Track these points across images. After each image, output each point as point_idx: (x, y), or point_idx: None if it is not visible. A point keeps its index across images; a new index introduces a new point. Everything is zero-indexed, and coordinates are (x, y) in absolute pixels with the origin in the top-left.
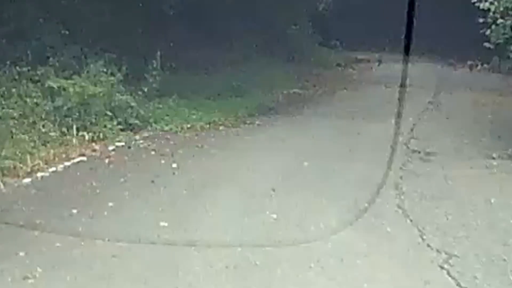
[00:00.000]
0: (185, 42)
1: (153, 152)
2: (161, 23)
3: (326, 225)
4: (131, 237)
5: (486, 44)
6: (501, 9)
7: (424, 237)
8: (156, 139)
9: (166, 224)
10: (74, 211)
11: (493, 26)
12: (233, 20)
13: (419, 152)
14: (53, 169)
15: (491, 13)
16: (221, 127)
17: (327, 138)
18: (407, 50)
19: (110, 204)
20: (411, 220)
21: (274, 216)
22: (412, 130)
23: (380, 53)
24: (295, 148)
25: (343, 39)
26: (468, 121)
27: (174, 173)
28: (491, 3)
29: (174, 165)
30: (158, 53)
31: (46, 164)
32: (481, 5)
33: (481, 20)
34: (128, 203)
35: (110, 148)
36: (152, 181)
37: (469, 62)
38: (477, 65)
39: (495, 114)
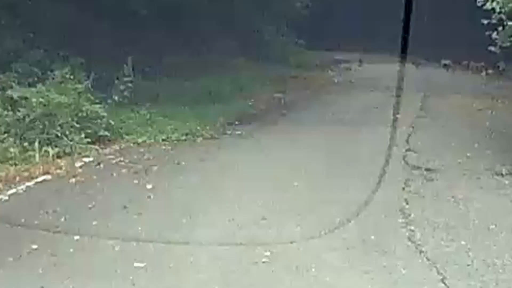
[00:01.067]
0: (160, 45)
1: (125, 170)
2: (134, 24)
3: (328, 267)
4: (101, 283)
5: (492, 48)
6: (506, 9)
7: (447, 281)
8: (128, 153)
9: (142, 265)
10: (34, 246)
11: (500, 28)
12: (210, 21)
13: (420, 169)
14: (13, 191)
15: (495, 14)
16: (199, 139)
17: (316, 151)
18: (403, 52)
19: (76, 237)
20: (427, 259)
21: (267, 255)
22: (407, 141)
23: (359, 53)
24: (282, 164)
25: (321, 39)
26: (466, 130)
27: (149, 197)
28: (497, 2)
29: (149, 186)
30: (130, 58)
31: (5, 184)
32: (488, 4)
33: (485, 22)
34: (97, 236)
35: (78, 164)
36: (125, 207)
37: (463, 63)
38: (482, 70)
39: (493, 122)
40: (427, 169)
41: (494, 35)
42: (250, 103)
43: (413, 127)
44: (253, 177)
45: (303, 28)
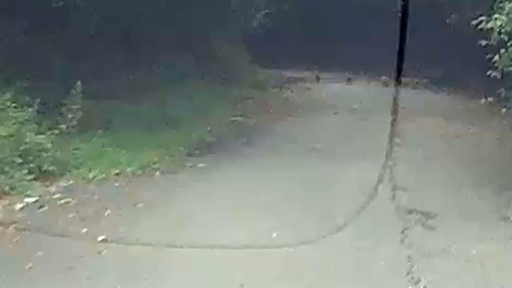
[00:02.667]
0: (113, 66)
1: (72, 214)
2: (84, 44)
3: None
4: None
5: (492, 73)
6: (508, 29)
7: None
8: (76, 192)
9: None
10: None
11: (502, 51)
12: (166, 40)
13: (415, 212)
14: None
15: (495, 34)
16: (157, 173)
17: (291, 189)
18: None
19: None
20: None
21: None
22: (391, 175)
23: (314, 71)
24: (255, 207)
25: (276, 57)
26: (453, 161)
27: (100, 252)
28: (498, 20)
29: (100, 238)
30: (79, 82)
31: None
32: (487, 24)
33: (483, 43)
34: None
35: (18, 206)
36: (70, 268)
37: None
38: (481, 96)
39: (479, 151)
40: (424, 214)
41: (496, 58)
42: (209, 129)
43: (393, 158)
44: (223, 227)
45: (258, 46)
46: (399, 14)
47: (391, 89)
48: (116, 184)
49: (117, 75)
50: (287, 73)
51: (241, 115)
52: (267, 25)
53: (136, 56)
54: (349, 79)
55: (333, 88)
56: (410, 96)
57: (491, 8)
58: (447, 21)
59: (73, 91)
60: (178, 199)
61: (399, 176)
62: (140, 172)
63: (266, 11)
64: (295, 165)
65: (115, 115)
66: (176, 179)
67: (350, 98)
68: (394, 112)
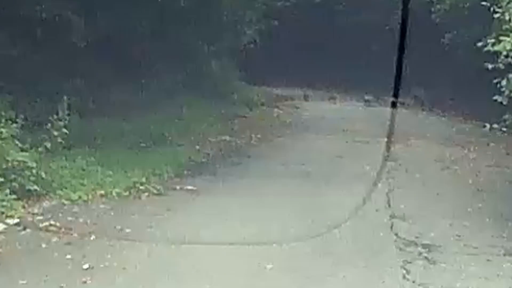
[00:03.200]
0: (98, 81)
1: (56, 239)
2: (72, 57)
3: None
4: None
5: (498, 98)
6: None
7: None
8: (61, 214)
9: None
10: None
11: (511, 75)
12: (153, 55)
13: (416, 244)
14: None
15: (502, 57)
16: (144, 195)
17: (286, 216)
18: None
19: None
20: None
21: None
22: (388, 203)
23: (302, 89)
24: (248, 235)
25: (265, 74)
26: (450, 187)
27: (85, 282)
28: (507, 42)
29: (86, 266)
30: (65, 97)
31: None
32: (493, 47)
33: (489, 66)
34: None
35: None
36: None
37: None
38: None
39: (478, 179)
40: (425, 246)
41: (504, 82)
42: (198, 147)
43: (389, 184)
44: (214, 255)
45: (248, 63)
46: (390, 32)
47: (376, 108)
48: (102, 206)
49: (105, 91)
50: (276, 91)
51: (231, 134)
52: (257, 42)
53: (125, 72)
54: (333, 98)
55: (320, 106)
56: (403, 117)
57: (486, 28)
58: (442, 40)
59: (59, 107)
60: (166, 225)
61: (397, 204)
62: (126, 193)
63: (257, 27)
64: (288, 191)
65: (102, 132)
66: (164, 202)
67: (339, 117)
68: (389, 136)
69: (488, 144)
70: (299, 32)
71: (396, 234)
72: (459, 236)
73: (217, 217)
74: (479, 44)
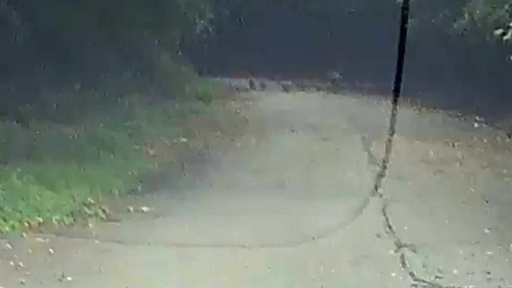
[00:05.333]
0: (39, 83)
1: None
2: (8, 58)
3: None
4: None
5: None
6: None
7: None
8: None
9: None
10: None
11: None
12: (98, 51)
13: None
14: None
15: None
16: (91, 221)
17: (262, 250)
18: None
19: None
20: None
21: None
22: (389, 225)
23: (254, 79)
24: (218, 277)
25: (218, 65)
26: (454, 200)
27: None
28: None
29: None
30: None
31: None
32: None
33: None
34: None
35: None
36: None
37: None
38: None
39: (478, 185)
40: None
41: None
42: (153, 154)
43: (380, 195)
44: None
45: (200, 54)
46: (352, 19)
47: (331, 98)
48: (39, 240)
49: (46, 93)
50: (229, 81)
51: (188, 135)
52: (210, 31)
53: (67, 70)
54: (289, 87)
55: (278, 97)
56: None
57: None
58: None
59: None
60: (118, 268)
61: (398, 225)
62: (70, 221)
63: (209, 16)
64: (262, 211)
65: (43, 141)
66: (115, 231)
67: (299, 109)
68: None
69: (472, 138)
70: (254, 21)
71: (411, 274)
72: (489, 273)
73: (178, 251)
74: (498, 32)
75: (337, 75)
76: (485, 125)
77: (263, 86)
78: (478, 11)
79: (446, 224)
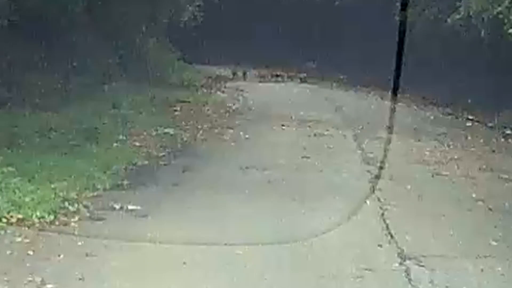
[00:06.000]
0: (20, 67)
1: None
2: None
3: None
4: None
5: None
6: None
7: None
8: None
9: None
10: None
11: None
12: (82, 36)
13: None
14: None
15: None
16: (74, 219)
17: (255, 260)
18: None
19: None
20: None
21: None
22: (390, 233)
23: (244, 67)
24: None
25: (205, 53)
26: (456, 206)
27: None
28: None
29: None
30: None
31: None
32: None
33: None
34: None
35: None
36: None
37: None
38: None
39: (479, 190)
40: None
41: None
42: (138, 144)
43: (378, 199)
44: None
45: (188, 41)
46: (338, 9)
47: (315, 89)
48: (18, 239)
49: (27, 78)
50: (215, 70)
51: (174, 125)
52: (197, 18)
53: (51, 55)
54: (278, 76)
55: (265, 87)
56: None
57: None
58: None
59: None
60: (102, 275)
61: (400, 234)
62: (51, 218)
63: (197, 3)
64: (251, 211)
65: (23, 129)
66: (100, 231)
67: (288, 101)
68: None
69: (466, 137)
70: (241, 8)
71: None
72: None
73: (167, 254)
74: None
75: (312, 65)
76: (477, 123)
77: (245, 75)
78: (474, 6)
79: (450, 234)
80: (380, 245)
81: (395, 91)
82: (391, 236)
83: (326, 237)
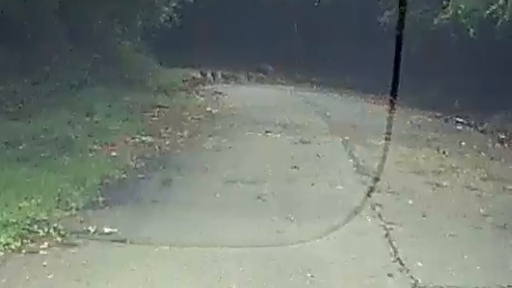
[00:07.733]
0: None
1: None
2: None
3: None
4: None
5: None
6: None
7: None
8: None
9: None
10: None
11: None
12: (55, 37)
13: None
14: None
15: None
16: (43, 246)
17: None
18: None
19: None
20: None
21: None
22: (399, 259)
23: (222, 70)
24: None
25: (182, 55)
26: (464, 224)
27: None
28: None
29: None
30: None
31: None
32: None
33: None
34: None
35: None
36: None
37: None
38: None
39: (485, 205)
40: None
41: None
42: (114, 154)
43: (379, 216)
44: None
45: (164, 43)
46: (320, 11)
47: (293, 92)
48: None
49: None
50: (192, 73)
51: (152, 133)
52: (173, 20)
53: (21, 62)
54: (258, 78)
55: (245, 91)
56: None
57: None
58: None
59: None
60: None
61: (409, 259)
62: (18, 244)
63: (173, 4)
64: (240, 235)
65: None
66: (72, 260)
67: (270, 105)
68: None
69: (460, 143)
70: (218, 9)
71: None
72: None
73: None
74: None
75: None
76: (468, 127)
77: (228, 78)
78: (463, 6)
79: (464, 260)
80: (390, 275)
81: (379, 94)
82: (401, 263)
83: (331, 267)
